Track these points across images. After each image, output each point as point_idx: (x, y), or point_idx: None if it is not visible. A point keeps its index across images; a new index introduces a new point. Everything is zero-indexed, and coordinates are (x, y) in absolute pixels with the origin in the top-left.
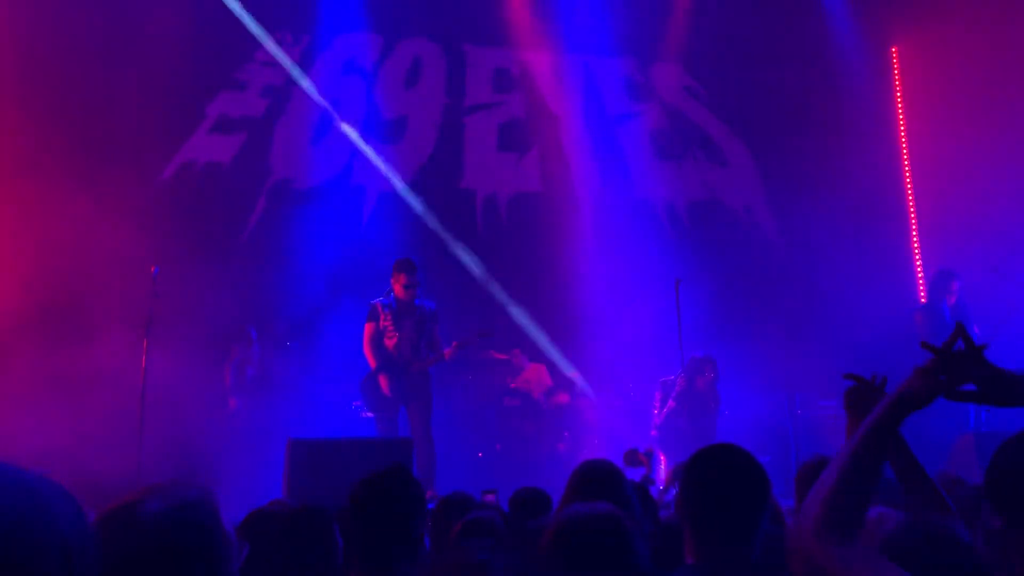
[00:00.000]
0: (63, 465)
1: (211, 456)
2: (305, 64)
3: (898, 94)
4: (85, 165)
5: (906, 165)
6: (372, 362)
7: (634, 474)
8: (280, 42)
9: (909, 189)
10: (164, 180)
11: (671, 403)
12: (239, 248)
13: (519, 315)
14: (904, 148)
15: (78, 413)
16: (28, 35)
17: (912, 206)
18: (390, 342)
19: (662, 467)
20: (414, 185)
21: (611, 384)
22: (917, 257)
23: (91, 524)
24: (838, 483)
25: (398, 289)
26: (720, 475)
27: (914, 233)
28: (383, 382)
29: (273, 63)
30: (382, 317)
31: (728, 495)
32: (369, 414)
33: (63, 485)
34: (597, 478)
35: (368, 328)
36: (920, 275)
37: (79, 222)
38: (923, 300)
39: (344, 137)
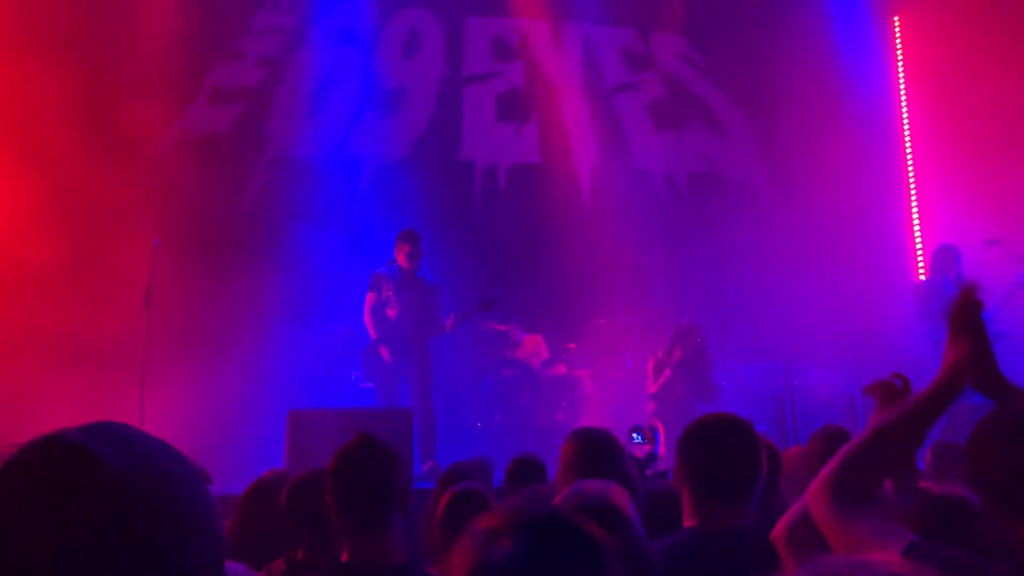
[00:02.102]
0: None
1: (212, 427)
2: (300, 34)
3: (899, 64)
4: (81, 137)
5: (906, 137)
6: (372, 332)
7: (635, 449)
8: (276, 10)
9: (909, 160)
10: (162, 151)
11: (667, 372)
12: (238, 218)
13: (517, 286)
14: (905, 119)
15: (77, 382)
16: (22, 4)
17: (912, 178)
18: (392, 312)
19: (661, 438)
20: (412, 156)
21: (608, 355)
22: (916, 229)
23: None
24: (861, 449)
25: (401, 259)
26: (721, 442)
27: (913, 205)
28: (384, 352)
29: (270, 32)
30: (384, 287)
31: (728, 460)
32: (369, 384)
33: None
34: (594, 448)
35: (369, 297)
36: (919, 247)
37: (76, 193)
38: (921, 271)
39: (342, 107)
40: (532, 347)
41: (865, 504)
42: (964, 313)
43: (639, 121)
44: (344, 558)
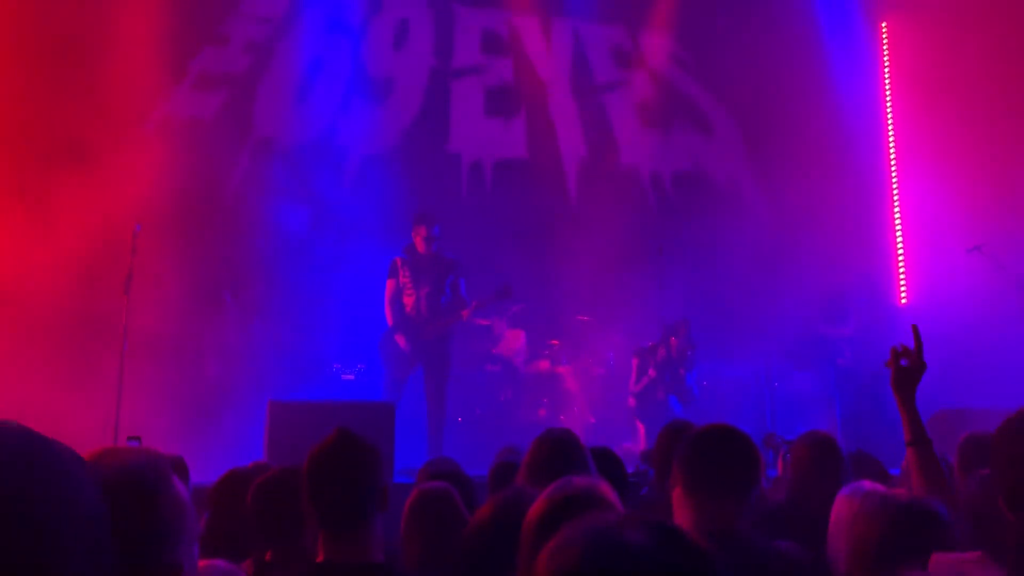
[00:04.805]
0: (40, 422)
1: (191, 416)
2: (289, 21)
3: (886, 70)
4: (64, 119)
5: (891, 141)
6: (389, 320)
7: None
8: None
9: (893, 165)
10: (145, 136)
11: (651, 372)
12: (221, 206)
13: (500, 281)
14: (890, 124)
15: (57, 369)
16: None
17: (895, 183)
18: (408, 300)
19: (641, 438)
20: (399, 148)
21: (591, 352)
22: (898, 233)
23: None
24: None
25: (418, 242)
26: (725, 449)
27: (896, 210)
28: (400, 340)
29: (257, 18)
30: (401, 273)
31: (730, 466)
32: (350, 376)
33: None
34: (557, 450)
35: (389, 285)
36: (900, 251)
37: (59, 177)
38: (902, 275)
39: (328, 96)
40: (512, 341)
41: None
42: None
43: (627, 119)
44: (320, 558)
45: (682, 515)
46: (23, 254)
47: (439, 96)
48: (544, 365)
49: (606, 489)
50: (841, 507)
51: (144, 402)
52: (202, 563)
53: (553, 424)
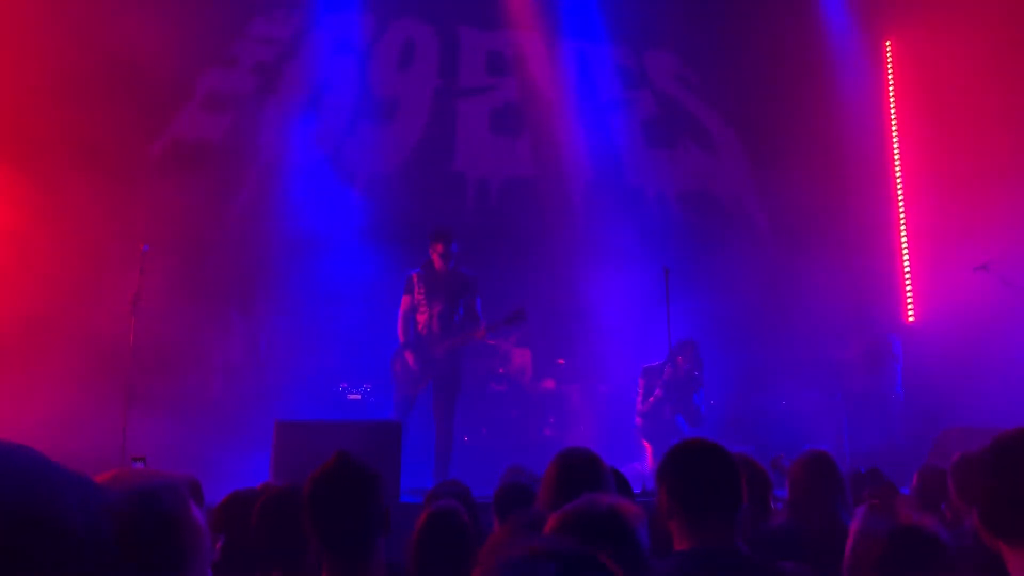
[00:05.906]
0: (48, 442)
1: (199, 436)
2: (296, 43)
3: (890, 88)
4: (74, 139)
5: (896, 160)
6: (401, 336)
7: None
8: (271, 19)
9: (899, 184)
10: (154, 156)
11: (658, 392)
12: (228, 225)
13: (507, 300)
14: (895, 143)
15: (66, 388)
16: (13, 5)
17: (901, 201)
18: (421, 318)
19: (648, 457)
20: (405, 167)
21: (598, 371)
22: (904, 251)
23: (105, 504)
24: None
25: (435, 259)
26: (704, 464)
27: (902, 228)
28: (409, 357)
29: (265, 39)
30: (416, 289)
31: (711, 481)
32: (356, 396)
33: (71, 467)
34: (578, 471)
35: (404, 300)
36: (907, 270)
37: (67, 198)
38: (909, 293)
39: (335, 116)
40: (520, 361)
41: None
42: None
43: (632, 138)
44: None
45: (677, 535)
46: (30, 271)
47: (445, 116)
48: (550, 384)
49: (627, 509)
50: (854, 527)
51: (151, 420)
52: None
53: (559, 443)
